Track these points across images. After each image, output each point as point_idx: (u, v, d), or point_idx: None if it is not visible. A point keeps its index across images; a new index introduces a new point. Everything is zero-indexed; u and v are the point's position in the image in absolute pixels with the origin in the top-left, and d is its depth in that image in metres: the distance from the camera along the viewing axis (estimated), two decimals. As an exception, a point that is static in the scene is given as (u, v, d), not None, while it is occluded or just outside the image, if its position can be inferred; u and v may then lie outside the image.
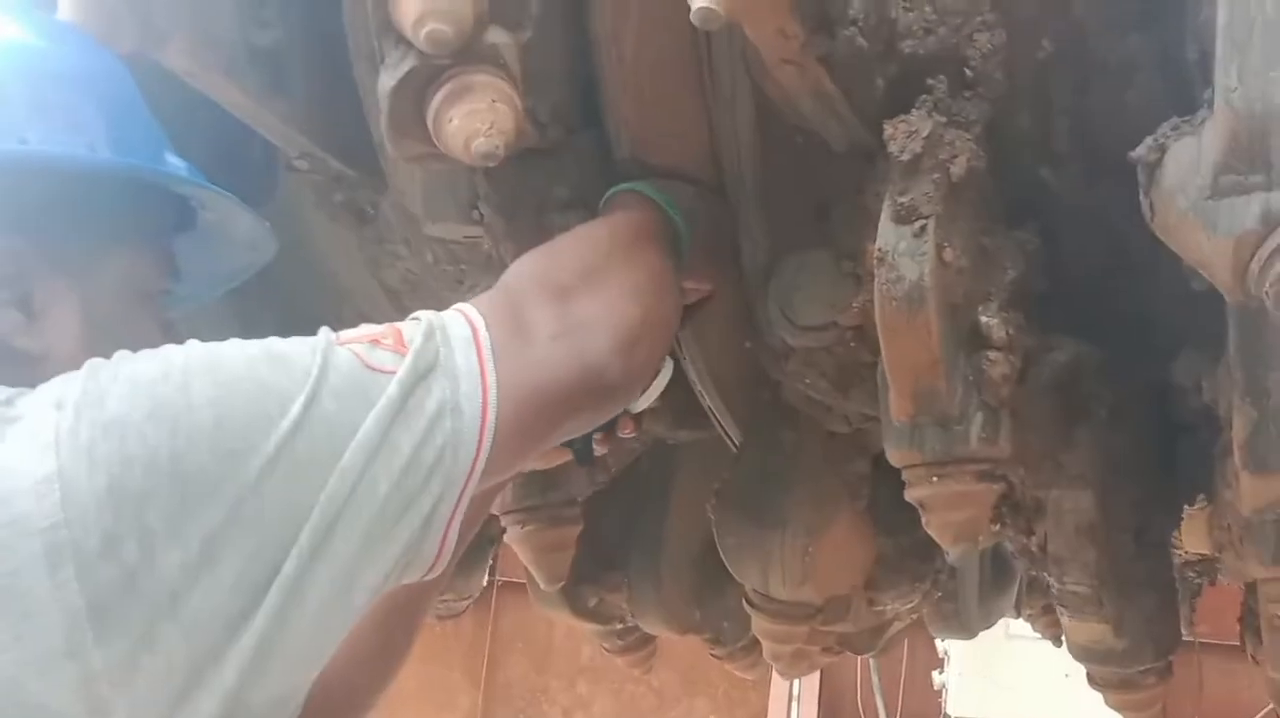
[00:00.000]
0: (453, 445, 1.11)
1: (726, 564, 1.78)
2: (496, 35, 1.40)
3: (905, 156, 1.35)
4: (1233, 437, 1.32)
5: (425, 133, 1.41)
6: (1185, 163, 1.21)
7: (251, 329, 1.98)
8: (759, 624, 1.83)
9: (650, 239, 1.48)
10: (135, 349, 1.17)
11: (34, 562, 0.91)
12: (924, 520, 1.46)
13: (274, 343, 1.10)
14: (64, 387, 1.00)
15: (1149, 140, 1.24)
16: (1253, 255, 1.16)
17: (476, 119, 1.37)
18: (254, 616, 0.98)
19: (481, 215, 1.64)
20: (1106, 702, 1.78)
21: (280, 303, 2.00)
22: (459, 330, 1.18)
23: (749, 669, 2.16)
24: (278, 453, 1.00)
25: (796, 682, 9.23)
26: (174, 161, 1.31)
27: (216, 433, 0.99)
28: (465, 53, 1.37)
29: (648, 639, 2.22)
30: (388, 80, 1.40)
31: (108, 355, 1.14)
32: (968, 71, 1.41)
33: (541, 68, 1.49)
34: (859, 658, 8.86)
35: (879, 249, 1.36)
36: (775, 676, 9.25)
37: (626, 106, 1.56)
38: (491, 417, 1.14)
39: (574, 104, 1.59)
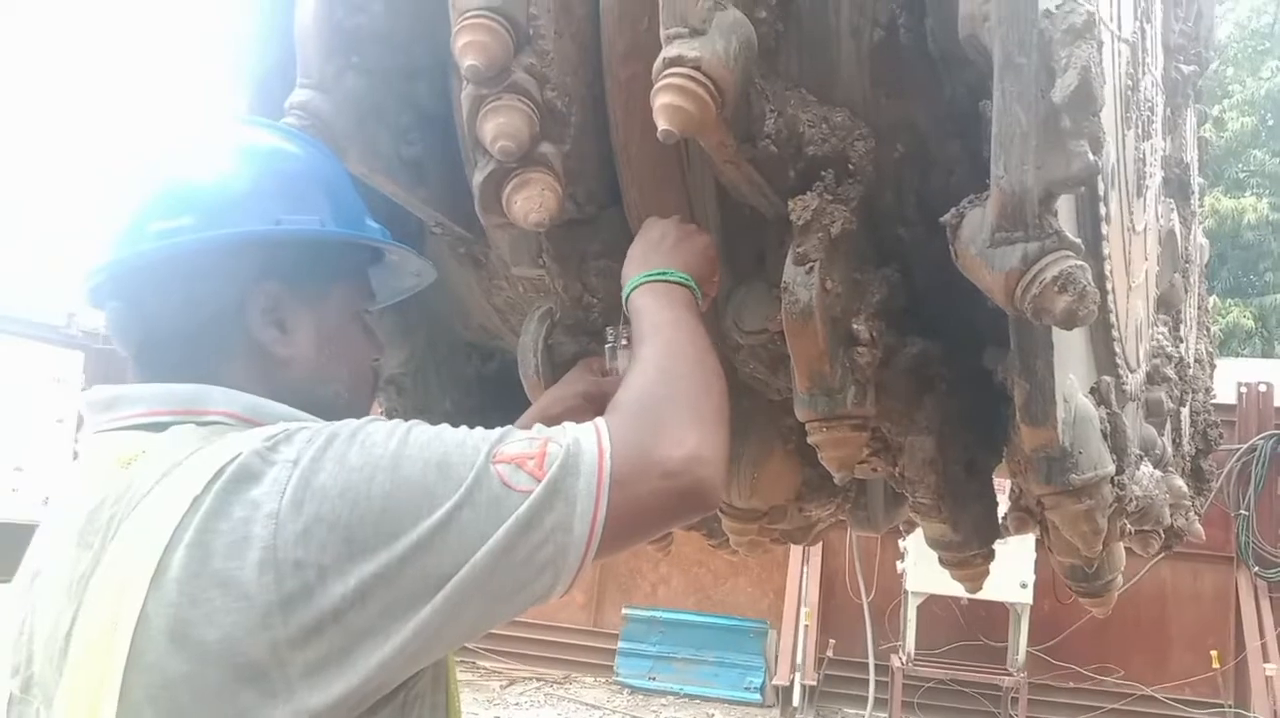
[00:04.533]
0: (561, 553, 1.03)
1: (704, 484, 1.80)
2: (546, 147, 1.44)
3: (800, 221, 1.37)
4: (1015, 402, 1.34)
5: (501, 210, 1.45)
6: (974, 224, 1.23)
7: (408, 332, 2.05)
8: (726, 523, 1.85)
9: (706, 333, 1.31)
10: (347, 348, 1.24)
11: (252, 566, 0.95)
12: (819, 456, 1.48)
13: (450, 452, 1.04)
14: (305, 448, 1.01)
15: (953, 210, 1.27)
16: (1017, 284, 1.19)
17: (531, 202, 1.42)
18: (396, 634, 0.98)
19: (544, 262, 1.67)
20: (951, 576, 1.78)
21: (428, 317, 2.05)
22: (589, 458, 1.06)
23: (731, 554, 2.16)
24: (422, 540, 0.98)
25: (805, 566, 9.18)
26: (372, 225, 1.32)
27: (381, 518, 0.98)
28: (525, 159, 1.42)
29: (666, 534, 2.22)
30: (478, 176, 1.46)
31: (330, 355, 1.21)
32: (850, 166, 1.43)
33: (578, 167, 1.52)
34: (848, 550, 8.82)
35: (784, 281, 1.38)
36: (792, 563, 9.19)
37: (633, 192, 1.59)
38: (597, 536, 1.04)
39: (601, 190, 1.61)
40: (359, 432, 1.04)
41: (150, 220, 1.14)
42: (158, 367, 1.15)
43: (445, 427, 1.08)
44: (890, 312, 1.48)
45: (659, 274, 1.37)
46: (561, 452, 1.06)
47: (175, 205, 1.15)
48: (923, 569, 8.21)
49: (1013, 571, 7.80)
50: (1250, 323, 16.73)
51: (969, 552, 1.68)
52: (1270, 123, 18.54)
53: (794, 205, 1.38)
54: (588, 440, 1.08)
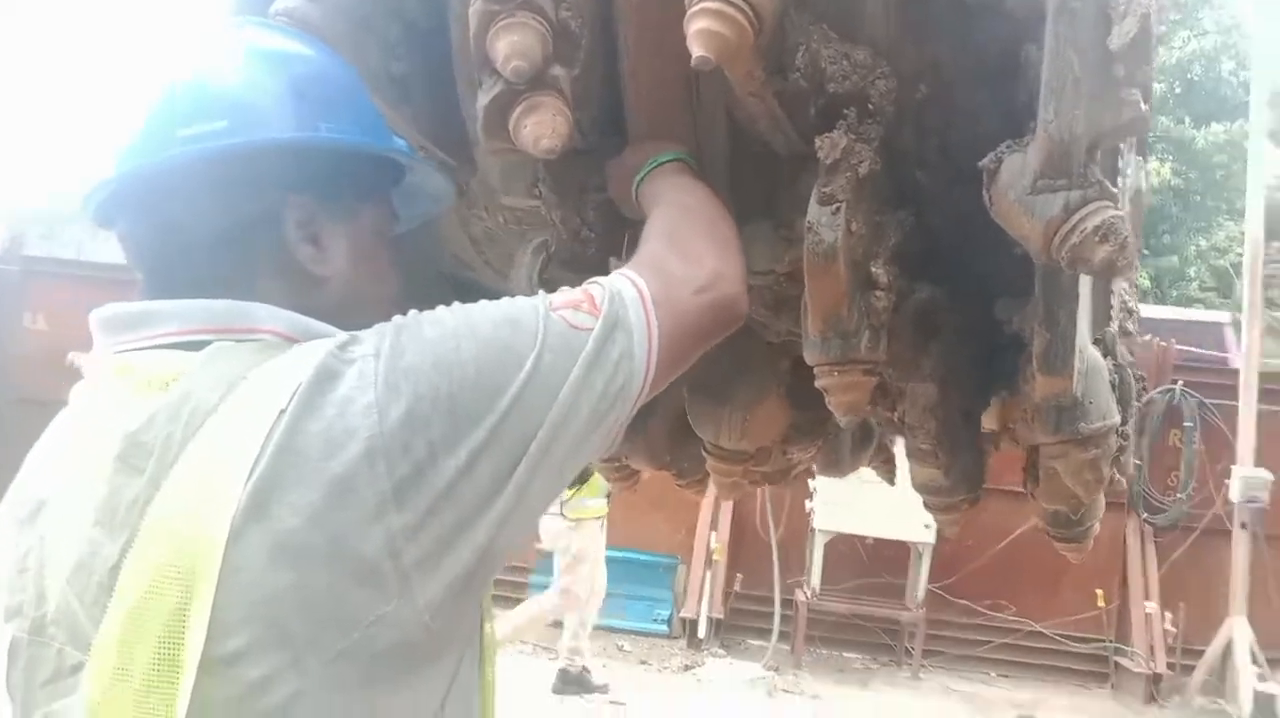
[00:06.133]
0: (628, 380, 1.09)
1: (693, 426, 1.77)
2: (557, 70, 1.37)
3: (829, 160, 1.33)
4: (1033, 351, 1.33)
5: (507, 134, 1.38)
6: (1015, 170, 1.20)
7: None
8: (712, 464, 1.82)
9: (711, 190, 1.42)
10: (379, 273, 1.21)
11: (358, 458, 0.92)
12: (827, 400, 1.46)
13: (511, 309, 1.07)
14: (379, 341, 0.99)
15: (991, 154, 1.24)
16: (1056, 233, 1.17)
17: (543, 127, 1.35)
18: (500, 497, 0.98)
19: (540, 192, 1.60)
20: (935, 519, 1.80)
21: (404, 245, 1.96)
22: (630, 293, 1.13)
23: (698, 494, 2.15)
24: (518, 393, 1.00)
25: (717, 504, 9.28)
26: (399, 141, 1.27)
27: (478, 381, 0.98)
28: (536, 82, 1.35)
29: (635, 472, 2.20)
30: (484, 98, 1.38)
31: (365, 278, 1.18)
32: (870, 105, 1.39)
33: (584, 93, 1.45)
34: (759, 491, 8.95)
35: (808, 221, 1.34)
36: (705, 501, 9.30)
37: (639, 121, 1.52)
38: (655, 358, 1.11)
39: (605, 118, 1.54)
40: (420, 316, 1.03)
41: (178, 125, 1.05)
42: (181, 284, 1.07)
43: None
44: (903, 256, 1.45)
45: (653, 164, 1.44)
46: (605, 292, 1.12)
47: (205, 110, 1.06)
48: (830, 509, 8.44)
49: (917, 511, 8.00)
50: (1147, 282, 17.40)
51: (956, 497, 1.69)
52: (1178, 90, 19.13)
53: (822, 143, 1.33)
54: (620, 280, 1.16)
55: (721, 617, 9.00)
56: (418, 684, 0.98)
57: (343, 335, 1.01)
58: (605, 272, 1.54)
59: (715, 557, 9.04)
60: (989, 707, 7.98)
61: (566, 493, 6.34)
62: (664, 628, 9.20)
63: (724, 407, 1.71)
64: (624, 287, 1.14)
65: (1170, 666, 8.49)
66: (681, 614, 9.08)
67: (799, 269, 1.42)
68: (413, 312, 1.05)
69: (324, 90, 1.15)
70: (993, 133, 1.32)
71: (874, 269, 1.39)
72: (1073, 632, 8.90)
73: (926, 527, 8.28)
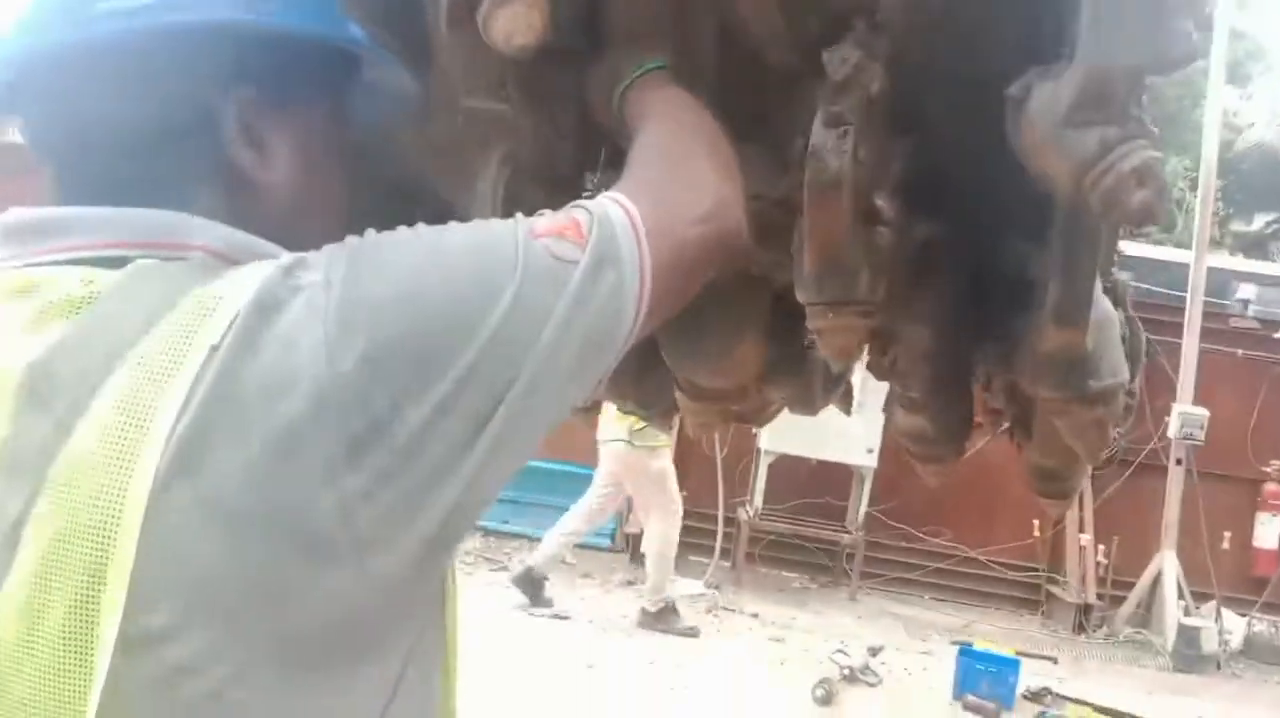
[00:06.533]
0: (617, 319, 0.94)
1: (668, 362, 1.65)
2: (531, -43, 1.22)
3: (838, 77, 1.20)
4: (1047, 300, 1.23)
5: (475, 27, 1.23)
6: (1045, 100, 1.08)
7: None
8: (686, 403, 1.71)
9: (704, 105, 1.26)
10: (329, 183, 1.05)
11: (304, 407, 0.77)
12: (818, 343, 1.35)
13: (485, 234, 0.93)
14: (331, 266, 0.84)
15: (1020, 81, 1.11)
16: (1088, 173, 1.05)
17: (516, 22, 1.21)
18: (471, 452, 0.83)
19: (508, 95, 1.44)
20: (918, 469, 1.71)
21: (357, 152, 1.80)
22: (621, 220, 0.98)
23: (663, 428, 2.05)
24: (495, 333, 0.85)
25: (664, 427, 9.26)
26: (355, 30, 1.09)
27: (450, 317, 0.84)
28: (510, -30, 1.20)
29: (599, 405, 2.10)
30: (449, -16, 1.23)
31: (314, 188, 1.02)
32: (878, 17, 1.25)
33: (561, -14, 1.30)
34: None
35: (813, 145, 1.21)
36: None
37: (621, 21, 1.36)
38: (647, 296, 0.96)
39: (581, 16, 1.37)
40: (379, 238, 0.87)
41: None
42: (96, 187, 0.90)
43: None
44: (905, 188, 1.33)
45: (639, 70, 1.29)
46: (591, 218, 0.96)
47: None
48: (776, 430, 8.42)
49: (860, 436, 8.11)
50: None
51: (941, 448, 1.60)
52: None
53: (831, 57, 1.20)
54: (609, 204, 0.99)
55: (664, 533, 9.03)
56: (374, 660, 0.86)
57: (288, 257, 0.86)
58: (578, 189, 1.42)
59: (660, 473, 9.04)
60: (924, 630, 8.14)
61: (637, 423, 6.40)
62: (607, 542, 9.24)
63: (702, 342, 1.58)
64: (613, 213, 0.99)
65: (1100, 596, 8.73)
66: (625, 529, 9.10)
67: (791, 196, 1.30)
68: (370, 232, 0.89)
69: None
70: (1012, 54, 1.20)
71: (879, 201, 1.27)
72: (1008, 559, 9.09)
73: (869, 451, 8.36)
